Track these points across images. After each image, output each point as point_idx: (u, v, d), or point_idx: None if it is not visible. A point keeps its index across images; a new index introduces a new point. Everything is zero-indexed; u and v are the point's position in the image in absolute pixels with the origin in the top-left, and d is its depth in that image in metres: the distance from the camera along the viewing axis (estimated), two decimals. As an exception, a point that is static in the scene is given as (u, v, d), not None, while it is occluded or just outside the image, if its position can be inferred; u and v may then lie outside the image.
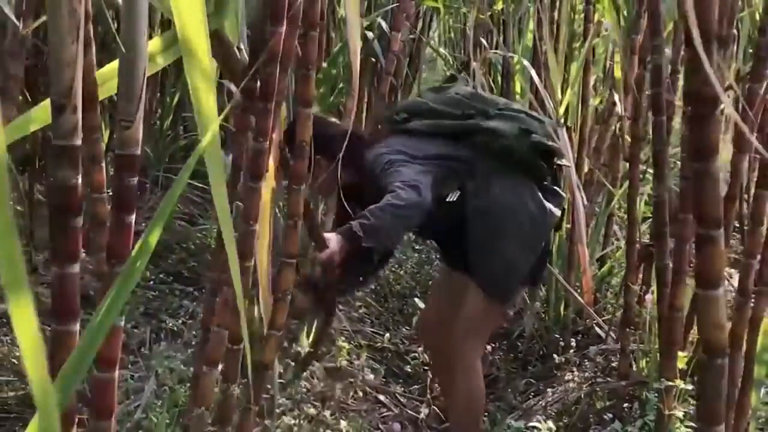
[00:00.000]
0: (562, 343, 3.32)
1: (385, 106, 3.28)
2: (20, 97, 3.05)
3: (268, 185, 1.67)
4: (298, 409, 2.52)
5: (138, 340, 3.00)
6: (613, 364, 3.02)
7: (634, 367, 2.83)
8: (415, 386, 3.19)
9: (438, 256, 3.91)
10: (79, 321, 1.01)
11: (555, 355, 3.22)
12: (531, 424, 2.44)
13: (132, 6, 1.01)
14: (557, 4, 3.79)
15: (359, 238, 2.17)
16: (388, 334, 3.41)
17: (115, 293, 0.67)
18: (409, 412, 2.94)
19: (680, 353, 2.34)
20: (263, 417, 2.21)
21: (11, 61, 2.91)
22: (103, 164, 1.54)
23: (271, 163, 1.72)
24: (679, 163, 3.38)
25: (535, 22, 3.93)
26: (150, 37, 1.54)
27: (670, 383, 2.24)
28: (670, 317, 2.34)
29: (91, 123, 1.42)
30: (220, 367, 1.70)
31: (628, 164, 3.21)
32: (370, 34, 3.62)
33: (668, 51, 2.92)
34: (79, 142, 0.94)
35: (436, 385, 2.97)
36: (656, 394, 2.36)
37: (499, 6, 4.57)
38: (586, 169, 3.59)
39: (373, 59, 3.70)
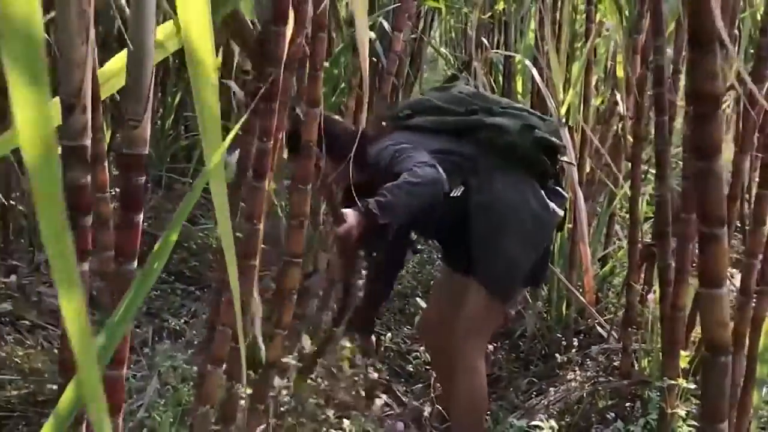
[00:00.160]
0: (564, 343, 3.33)
1: (387, 106, 3.29)
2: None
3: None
4: (302, 407, 2.53)
5: (140, 339, 3.01)
6: (615, 364, 3.03)
7: (636, 366, 2.84)
8: (418, 385, 3.19)
9: (439, 256, 3.92)
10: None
11: (557, 355, 3.23)
12: (534, 423, 2.44)
13: (140, 6, 1.02)
14: (559, 4, 3.80)
15: (375, 214, 2.19)
16: (389, 334, 3.42)
17: (134, 292, 0.68)
18: (413, 410, 2.94)
19: (683, 352, 2.35)
20: (267, 416, 2.21)
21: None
22: (106, 164, 1.55)
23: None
24: (680, 163, 3.39)
25: (536, 22, 3.94)
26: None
27: (673, 382, 2.25)
28: (673, 316, 2.34)
29: (94, 122, 1.43)
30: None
31: (629, 164, 3.22)
32: (372, 35, 3.63)
33: (669, 51, 2.93)
34: (88, 142, 0.95)
35: (438, 384, 2.97)
36: (658, 393, 2.37)
37: (501, 6, 4.58)
38: (587, 169, 3.60)
39: (374, 59, 3.70)
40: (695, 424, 2.27)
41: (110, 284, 1.06)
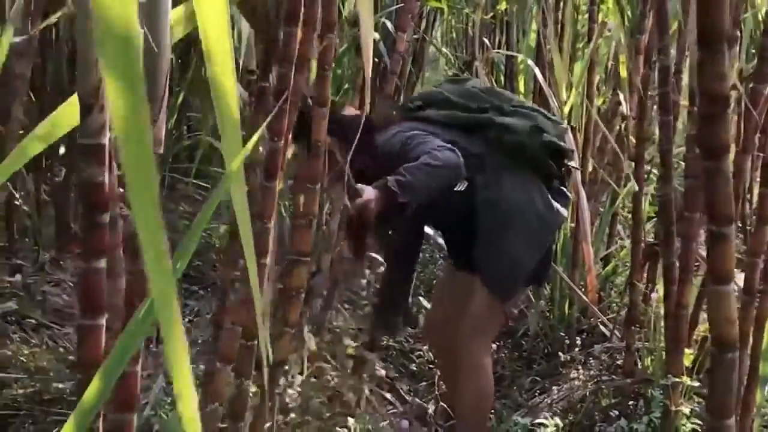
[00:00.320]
0: (567, 342, 3.34)
1: (390, 106, 3.30)
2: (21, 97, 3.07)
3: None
4: (307, 405, 2.54)
5: (144, 338, 3.02)
6: (618, 362, 3.04)
7: (639, 364, 2.85)
8: (422, 384, 3.21)
9: (442, 255, 3.93)
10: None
11: (560, 353, 3.24)
12: (538, 420, 2.46)
13: (155, 6, 1.03)
14: (561, 4, 3.82)
15: (394, 193, 2.19)
16: (392, 333, 3.43)
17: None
18: (417, 408, 2.96)
19: (686, 350, 2.37)
20: (273, 413, 2.22)
21: (18, 60, 2.93)
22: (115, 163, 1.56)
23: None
24: (682, 162, 3.41)
25: (538, 22, 3.95)
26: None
27: (677, 379, 2.26)
28: (677, 314, 2.36)
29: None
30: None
31: (632, 164, 3.23)
32: (375, 35, 3.64)
33: (672, 51, 2.94)
34: (106, 140, 0.96)
35: (442, 383, 2.99)
36: (661, 392, 2.38)
37: (503, 6, 4.60)
38: (590, 169, 3.61)
39: (377, 59, 3.71)
40: (699, 422, 2.28)
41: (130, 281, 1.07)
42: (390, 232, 2.65)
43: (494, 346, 3.36)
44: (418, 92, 3.44)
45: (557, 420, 2.41)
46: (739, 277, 2.00)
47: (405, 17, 3.11)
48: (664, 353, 2.53)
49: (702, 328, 2.66)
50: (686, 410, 2.29)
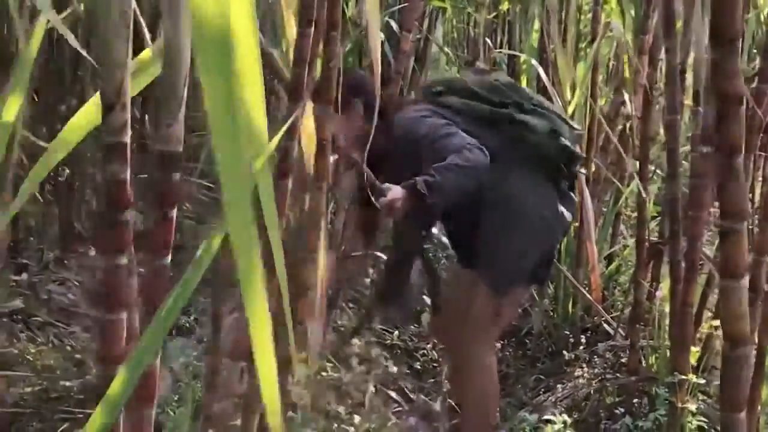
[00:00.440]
0: (571, 340, 3.35)
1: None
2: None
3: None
4: (313, 403, 2.55)
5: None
6: (623, 360, 3.06)
7: (643, 363, 2.87)
8: (428, 381, 3.22)
9: (445, 254, 3.94)
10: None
11: (564, 352, 3.25)
12: (545, 417, 2.47)
13: (174, 7, 1.04)
14: (564, 4, 3.83)
15: (423, 194, 2.19)
16: (396, 332, 3.45)
17: (183, 287, 0.70)
18: (422, 405, 2.97)
19: (692, 348, 2.38)
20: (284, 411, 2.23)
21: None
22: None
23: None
24: (685, 162, 3.43)
25: (541, 22, 3.96)
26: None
27: (684, 377, 2.27)
28: (683, 312, 2.37)
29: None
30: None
31: (637, 163, 3.25)
32: (381, 35, 3.65)
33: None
34: (127, 138, 0.98)
35: (446, 380, 3.00)
36: (666, 390, 2.39)
37: (505, 6, 4.61)
38: (593, 168, 3.62)
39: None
40: (704, 419, 2.30)
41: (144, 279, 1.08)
42: (419, 232, 2.64)
43: (499, 344, 3.37)
44: (439, 78, 3.43)
45: (565, 416, 2.42)
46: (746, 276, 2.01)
47: (410, 17, 3.11)
48: (668, 351, 2.54)
49: (705, 326, 2.68)
50: (692, 407, 2.30)
